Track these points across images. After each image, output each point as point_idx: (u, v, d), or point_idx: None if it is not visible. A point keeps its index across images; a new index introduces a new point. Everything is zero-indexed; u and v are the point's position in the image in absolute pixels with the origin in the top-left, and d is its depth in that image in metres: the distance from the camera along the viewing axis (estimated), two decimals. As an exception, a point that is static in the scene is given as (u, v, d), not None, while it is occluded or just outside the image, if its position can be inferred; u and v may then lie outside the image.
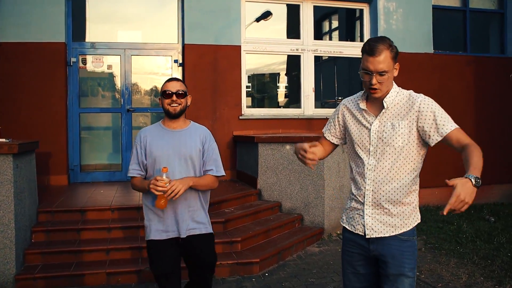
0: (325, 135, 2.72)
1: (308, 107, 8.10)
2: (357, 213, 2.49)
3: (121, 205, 5.47)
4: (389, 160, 2.38)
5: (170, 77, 3.22)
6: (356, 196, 2.50)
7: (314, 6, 8.21)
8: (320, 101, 8.74)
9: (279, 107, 8.92)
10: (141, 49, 7.68)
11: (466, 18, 9.02)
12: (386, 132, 2.38)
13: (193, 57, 7.48)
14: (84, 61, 7.54)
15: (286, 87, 9.10)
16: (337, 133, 2.66)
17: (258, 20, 7.96)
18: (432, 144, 2.35)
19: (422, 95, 2.40)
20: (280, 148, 6.37)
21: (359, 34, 8.68)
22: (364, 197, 2.44)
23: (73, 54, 7.39)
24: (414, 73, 8.16)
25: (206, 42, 7.51)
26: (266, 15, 8.03)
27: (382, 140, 2.39)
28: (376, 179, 2.41)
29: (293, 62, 8.47)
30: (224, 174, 3.20)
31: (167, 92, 3.01)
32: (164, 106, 3.04)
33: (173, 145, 3.03)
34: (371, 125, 2.44)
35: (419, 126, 2.34)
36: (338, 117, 2.63)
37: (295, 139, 6.30)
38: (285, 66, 9.14)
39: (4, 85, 6.89)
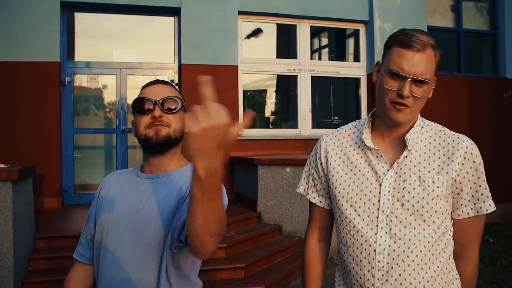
0: (311, 198, 1.74)
1: (305, 127, 8.05)
2: None
3: (120, 230, 5.32)
4: (417, 239, 1.47)
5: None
6: None
7: (311, 26, 8.21)
8: (316, 120, 8.71)
9: (276, 127, 8.85)
10: (136, 69, 7.58)
11: (460, 38, 9.09)
12: (410, 192, 1.48)
13: (190, 77, 7.39)
14: (79, 81, 7.41)
15: (282, 107, 9.04)
16: (326, 188, 1.70)
17: (248, 37, 7.93)
18: (458, 218, 1.55)
19: (466, 137, 1.58)
20: (280, 171, 6.29)
21: (353, 54, 8.70)
22: None
23: (68, 74, 7.27)
24: (410, 94, 8.16)
25: (203, 62, 7.44)
26: (256, 32, 8.01)
27: (403, 205, 1.48)
28: (395, 274, 1.47)
29: (287, 80, 8.44)
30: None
31: (143, 100, 1.62)
32: (139, 130, 1.63)
33: (128, 203, 1.64)
34: (382, 177, 1.52)
35: (457, 187, 1.51)
36: (320, 162, 1.69)
37: (296, 161, 6.23)
38: (279, 83, 9.11)
39: (-3, 105, 6.75)
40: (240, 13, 7.71)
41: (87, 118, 7.65)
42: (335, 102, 9.35)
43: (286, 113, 8.91)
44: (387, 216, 1.48)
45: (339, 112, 9.25)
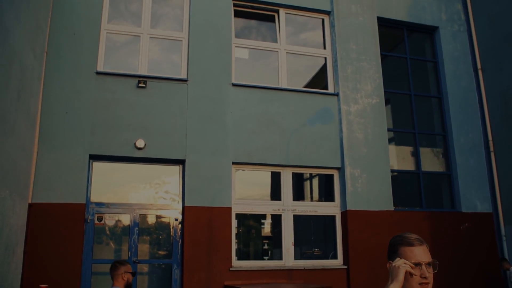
0: None
1: (288, 259, 9.45)
2: None
3: None
4: None
5: None
6: None
7: (293, 173, 9.92)
8: (300, 251, 10.07)
9: (264, 258, 10.20)
10: (148, 209, 9.15)
11: (420, 179, 10.77)
12: None
13: (192, 216, 8.92)
14: (100, 218, 8.94)
15: (269, 240, 10.46)
16: None
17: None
18: None
19: None
20: (264, 300, 7.61)
21: (330, 195, 10.30)
22: None
23: (90, 213, 8.80)
24: (378, 228, 9.65)
25: (203, 204, 9.02)
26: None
27: None
28: None
29: (274, 217, 9.96)
30: None
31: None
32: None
33: None
34: None
35: None
36: None
37: (277, 293, 7.58)
38: (268, 220, 10.61)
39: (32, 238, 8.14)
40: (233, 163, 9.44)
41: (104, 250, 9.07)
42: (316, 235, 10.79)
43: (273, 246, 10.32)
44: None
45: (319, 244, 10.63)
